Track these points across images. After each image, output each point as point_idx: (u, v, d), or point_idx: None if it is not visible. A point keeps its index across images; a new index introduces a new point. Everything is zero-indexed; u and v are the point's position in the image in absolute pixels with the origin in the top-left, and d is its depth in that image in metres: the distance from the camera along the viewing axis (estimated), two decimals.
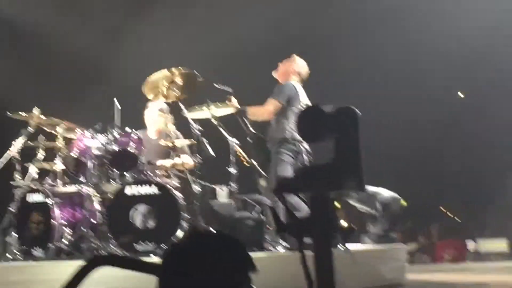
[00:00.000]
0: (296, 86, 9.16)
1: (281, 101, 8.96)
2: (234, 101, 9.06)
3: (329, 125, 3.39)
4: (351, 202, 8.97)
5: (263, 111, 8.94)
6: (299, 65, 9.39)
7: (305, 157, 8.85)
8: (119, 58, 12.48)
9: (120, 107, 8.75)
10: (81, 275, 2.98)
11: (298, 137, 8.67)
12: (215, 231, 2.45)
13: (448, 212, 16.43)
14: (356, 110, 3.48)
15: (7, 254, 8.44)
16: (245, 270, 2.36)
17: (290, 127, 8.78)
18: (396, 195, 11.10)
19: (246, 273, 2.36)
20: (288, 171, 8.54)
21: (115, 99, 8.80)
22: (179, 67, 8.93)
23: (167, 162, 8.87)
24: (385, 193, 10.84)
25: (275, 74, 9.39)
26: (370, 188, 9.29)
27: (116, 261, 3.16)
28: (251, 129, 8.99)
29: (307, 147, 8.92)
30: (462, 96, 16.29)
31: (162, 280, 2.37)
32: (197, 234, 2.50)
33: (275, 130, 8.98)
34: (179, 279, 2.34)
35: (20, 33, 12.77)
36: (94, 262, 3.05)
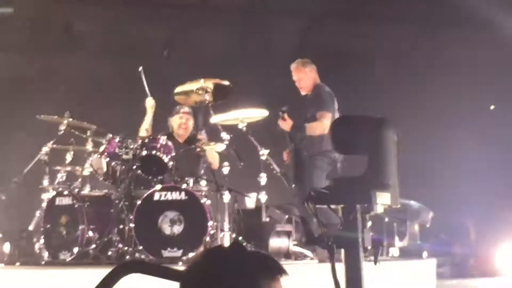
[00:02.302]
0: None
1: (331, 110, 8.78)
2: (287, 118, 8.89)
3: (364, 137, 3.33)
4: (380, 213, 8.88)
5: (322, 126, 8.61)
6: (314, 67, 9.24)
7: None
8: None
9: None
10: (110, 281, 2.96)
11: None
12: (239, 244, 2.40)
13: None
14: (391, 122, 3.43)
15: (35, 258, 8.46)
16: (272, 276, 2.31)
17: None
18: (425, 206, 11.05)
19: (272, 278, 2.31)
20: (324, 182, 8.40)
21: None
22: (212, 78, 8.90)
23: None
24: (415, 205, 10.79)
25: (299, 83, 9.15)
26: (400, 200, 9.18)
27: (145, 268, 3.14)
28: (292, 145, 8.89)
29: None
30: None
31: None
32: (221, 248, 2.45)
33: (316, 140, 8.74)
34: None
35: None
36: (124, 268, 3.02)
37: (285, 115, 8.82)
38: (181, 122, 9.34)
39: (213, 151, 8.92)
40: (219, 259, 2.32)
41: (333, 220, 3.53)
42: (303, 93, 9.12)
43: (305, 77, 9.08)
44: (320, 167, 8.66)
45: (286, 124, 8.82)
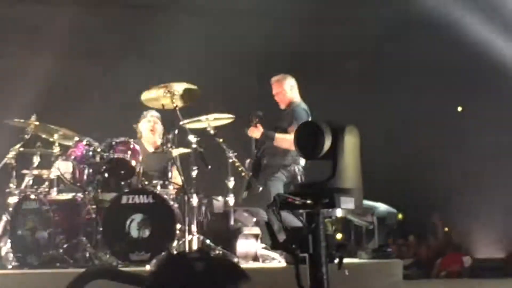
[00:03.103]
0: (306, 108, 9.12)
1: None
2: (259, 125, 8.95)
3: (327, 143, 3.37)
4: (347, 216, 8.93)
5: (290, 142, 8.62)
6: (293, 83, 9.31)
7: (299, 178, 8.85)
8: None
9: None
10: (77, 286, 2.97)
11: (298, 160, 8.72)
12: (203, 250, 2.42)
13: (444, 228, 16.39)
14: (355, 128, 3.47)
15: (1, 262, 8.41)
16: (237, 282, 2.33)
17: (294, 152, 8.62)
18: (392, 209, 11.13)
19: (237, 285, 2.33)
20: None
21: None
22: (179, 81, 8.89)
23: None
24: (382, 207, 10.86)
25: (278, 97, 9.21)
26: (367, 202, 9.25)
27: (109, 274, 3.15)
28: (255, 151, 8.96)
29: (302, 165, 8.91)
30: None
31: None
32: (186, 254, 2.46)
33: (280, 152, 8.85)
34: None
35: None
36: (90, 274, 3.04)
37: (257, 122, 8.90)
38: (148, 126, 9.35)
39: (177, 157, 8.93)
40: (185, 266, 2.32)
41: (297, 225, 3.56)
42: (281, 107, 9.22)
43: (281, 92, 9.18)
44: (278, 179, 8.83)
45: (256, 130, 8.90)
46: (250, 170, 8.92)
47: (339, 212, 3.45)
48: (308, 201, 3.34)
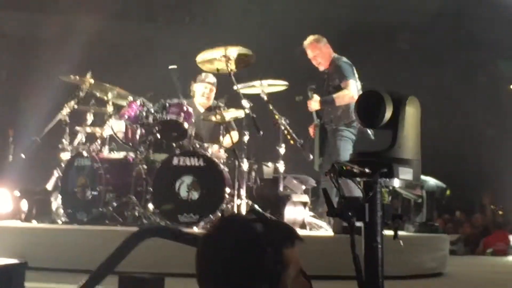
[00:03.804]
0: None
1: (354, 79, 8.76)
2: (315, 96, 8.87)
3: (387, 113, 3.34)
4: (397, 188, 8.87)
5: (349, 94, 8.61)
6: (326, 42, 9.15)
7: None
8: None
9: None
10: (130, 245, 2.99)
11: None
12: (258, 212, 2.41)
13: (491, 205, 16.27)
14: (416, 99, 3.42)
15: (52, 216, 8.54)
16: (293, 244, 2.32)
17: None
18: (442, 184, 11.05)
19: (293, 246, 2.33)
20: (349, 151, 8.43)
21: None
22: (235, 45, 8.85)
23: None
24: (431, 181, 10.79)
25: (316, 60, 9.09)
26: None
27: (165, 233, 3.17)
28: (318, 120, 8.89)
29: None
30: None
31: (199, 255, 2.34)
32: (243, 216, 2.45)
33: (341, 112, 8.74)
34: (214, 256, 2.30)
35: None
36: (144, 232, 3.06)
37: (313, 94, 8.82)
38: (204, 92, 9.34)
39: (232, 120, 8.93)
40: (245, 227, 2.32)
41: (354, 193, 3.54)
42: (321, 69, 9.09)
43: (320, 53, 9.06)
44: (346, 138, 8.69)
45: (314, 102, 8.81)
46: (316, 140, 8.83)
47: (396, 183, 3.41)
48: (367, 170, 3.30)
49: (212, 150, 8.53)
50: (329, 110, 8.83)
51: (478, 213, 16.00)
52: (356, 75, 8.85)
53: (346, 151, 8.49)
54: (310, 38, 9.09)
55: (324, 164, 8.57)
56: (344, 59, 8.98)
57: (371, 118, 3.49)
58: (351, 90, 8.62)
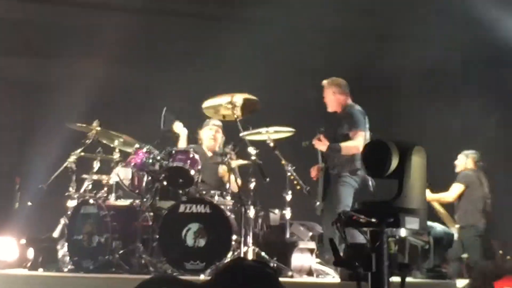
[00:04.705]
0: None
1: (364, 129, 8.75)
2: (323, 139, 8.86)
3: (394, 162, 3.36)
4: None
5: (356, 146, 8.63)
6: (338, 88, 9.20)
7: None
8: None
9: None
10: None
11: None
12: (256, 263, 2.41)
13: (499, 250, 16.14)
14: (423, 149, 3.45)
15: (58, 264, 8.52)
16: None
17: None
18: (449, 230, 11.01)
19: None
20: (351, 200, 8.44)
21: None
22: (241, 93, 8.90)
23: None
24: (438, 227, 10.74)
25: (331, 100, 9.10)
26: None
27: (173, 283, 3.16)
28: (323, 164, 8.88)
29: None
30: None
31: None
32: (238, 265, 2.45)
33: (347, 159, 8.72)
34: None
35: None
36: (152, 282, 3.05)
37: (321, 136, 8.80)
38: (210, 134, 9.39)
39: (236, 167, 8.95)
40: (249, 273, 2.32)
41: (358, 239, 3.55)
42: (329, 109, 9.13)
43: (327, 96, 9.09)
44: (348, 184, 8.66)
45: (322, 144, 8.80)
46: (319, 183, 8.83)
47: (403, 232, 3.42)
48: (373, 220, 3.31)
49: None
50: (334, 155, 8.82)
51: (486, 258, 15.86)
52: (367, 125, 8.85)
53: (347, 198, 8.49)
54: (324, 81, 9.15)
55: (325, 210, 8.57)
56: (357, 107, 8.96)
57: (378, 168, 3.50)
58: (358, 142, 8.61)
